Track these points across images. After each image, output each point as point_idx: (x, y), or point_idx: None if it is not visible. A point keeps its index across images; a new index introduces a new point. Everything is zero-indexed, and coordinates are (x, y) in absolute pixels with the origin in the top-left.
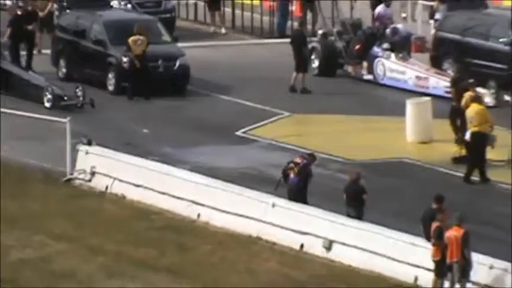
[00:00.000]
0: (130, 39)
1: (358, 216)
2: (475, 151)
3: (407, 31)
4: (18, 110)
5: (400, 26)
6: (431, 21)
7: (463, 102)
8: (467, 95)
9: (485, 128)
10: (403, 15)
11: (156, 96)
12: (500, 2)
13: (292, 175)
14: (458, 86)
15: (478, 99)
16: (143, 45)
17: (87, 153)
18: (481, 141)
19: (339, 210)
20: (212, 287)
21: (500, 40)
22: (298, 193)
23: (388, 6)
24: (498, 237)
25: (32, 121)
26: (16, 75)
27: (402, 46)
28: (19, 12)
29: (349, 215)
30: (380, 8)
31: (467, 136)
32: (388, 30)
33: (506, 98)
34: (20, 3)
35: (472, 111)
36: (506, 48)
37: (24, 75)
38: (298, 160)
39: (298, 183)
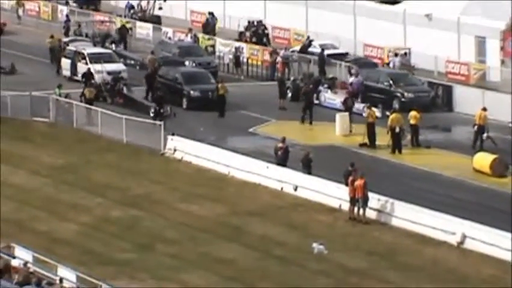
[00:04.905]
0: (220, 85)
1: (309, 173)
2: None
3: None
4: (137, 117)
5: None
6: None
7: (368, 116)
8: (368, 111)
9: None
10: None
11: (207, 111)
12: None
13: (279, 153)
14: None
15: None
16: (224, 89)
17: (172, 139)
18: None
19: (300, 169)
20: (234, 208)
21: (385, 83)
22: (283, 161)
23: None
24: (381, 184)
25: (144, 124)
26: (137, 100)
27: (335, 86)
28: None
29: (304, 173)
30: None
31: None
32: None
33: (387, 113)
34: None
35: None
36: (387, 87)
37: (140, 100)
38: (282, 145)
39: (283, 157)
